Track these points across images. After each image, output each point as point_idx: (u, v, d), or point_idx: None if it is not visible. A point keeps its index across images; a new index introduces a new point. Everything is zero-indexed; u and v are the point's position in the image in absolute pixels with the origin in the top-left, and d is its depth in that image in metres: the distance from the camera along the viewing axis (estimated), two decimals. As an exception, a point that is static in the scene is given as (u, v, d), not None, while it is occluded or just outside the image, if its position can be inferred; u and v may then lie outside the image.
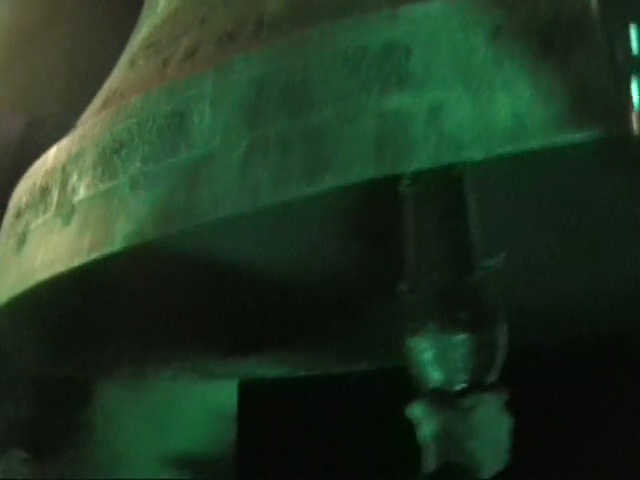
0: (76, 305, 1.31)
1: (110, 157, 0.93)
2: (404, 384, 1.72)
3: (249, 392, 1.80)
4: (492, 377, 1.11)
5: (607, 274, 1.51)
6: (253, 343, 1.59)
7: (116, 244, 0.89)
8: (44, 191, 1.01)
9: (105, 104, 1.04)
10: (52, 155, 1.02)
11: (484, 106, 0.79)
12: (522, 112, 0.79)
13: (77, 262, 0.92)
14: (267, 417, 1.79)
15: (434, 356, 1.10)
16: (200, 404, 1.75)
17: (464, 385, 1.09)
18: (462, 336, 1.09)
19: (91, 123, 0.98)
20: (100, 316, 1.41)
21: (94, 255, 0.91)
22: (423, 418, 1.09)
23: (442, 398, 1.08)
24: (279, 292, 1.59)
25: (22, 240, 1.02)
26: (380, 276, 1.54)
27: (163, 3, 1.14)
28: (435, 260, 1.13)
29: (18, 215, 1.05)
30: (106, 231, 0.90)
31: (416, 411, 1.10)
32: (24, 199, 1.05)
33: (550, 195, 1.50)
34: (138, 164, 0.90)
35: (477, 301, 1.12)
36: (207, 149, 0.87)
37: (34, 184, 1.04)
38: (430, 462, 1.12)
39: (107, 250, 0.89)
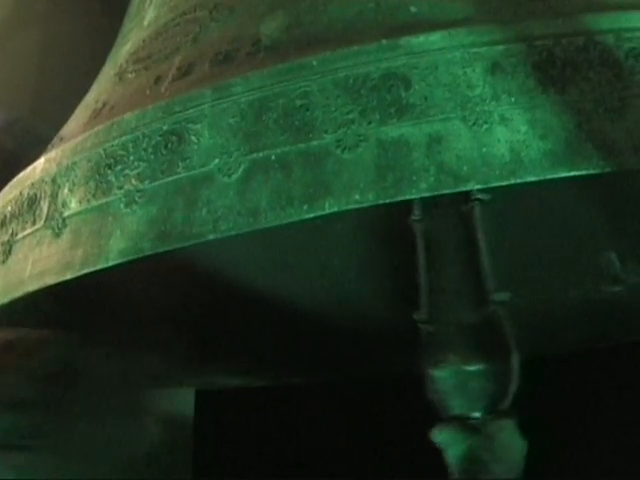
0: (45, 312, 1.31)
1: (104, 173, 0.94)
2: (361, 395, 1.75)
3: (206, 401, 1.80)
4: (507, 403, 1.15)
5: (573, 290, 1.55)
6: (212, 354, 1.60)
7: (111, 259, 0.89)
8: (32, 202, 1.01)
9: (94, 117, 1.04)
10: (40, 166, 1.02)
11: (482, 139, 0.82)
12: (519, 147, 0.81)
13: (69, 275, 0.92)
14: (223, 426, 1.80)
15: (455, 385, 1.15)
16: (157, 412, 1.75)
17: (481, 412, 1.15)
18: (481, 366, 1.14)
19: (82, 137, 0.98)
20: (67, 323, 1.41)
21: (87, 269, 0.91)
22: (450, 442, 1.14)
23: (465, 424, 1.13)
24: (238, 303, 1.60)
25: (8, 250, 1.02)
26: (339, 288, 1.56)
27: (150, 17, 1.14)
28: (450, 292, 1.17)
29: (2, 224, 1.05)
30: (100, 246, 0.91)
31: (441, 436, 1.14)
32: (9, 208, 1.05)
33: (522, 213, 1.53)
34: (134, 181, 0.91)
35: (493, 332, 1.16)
36: (205, 170, 0.88)
37: (20, 194, 1.03)
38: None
39: (101, 264, 0.90)
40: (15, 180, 1.07)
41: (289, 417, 1.80)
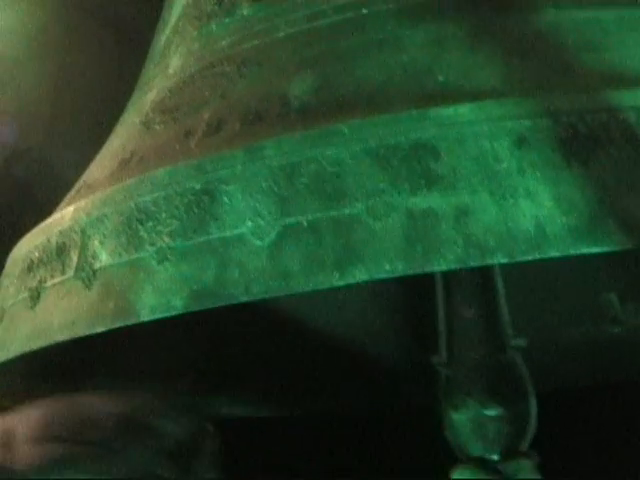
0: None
1: (135, 228, 0.96)
2: (361, 428, 1.78)
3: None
4: (524, 445, 1.25)
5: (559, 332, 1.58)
6: (217, 383, 1.62)
7: (142, 315, 0.91)
8: (61, 250, 1.03)
9: (123, 167, 1.06)
10: (69, 215, 1.04)
11: (508, 213, 0.84)
12: (544, 221, 0.84)
13: (100, 328, 0.95)
14: (228, 455, 1.82)
15: (473, 429, 1.23)
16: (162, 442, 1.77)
17: (499, 455, 1.23)
18: (499, 410, 1.23)
19: (113, 189, 1.00)
20: (75, 351, 1.43)
21: (119, 323, 0.93)
22: None
23: (486, 465, 1.21)
24: (241, 332, 1.62)
25: (36, 296, 1.04)
26: (346, 325, 1.59)
27: (176, 65, 1.16)
28: (470, 338, 1.26)
29: (30, 269, 1.07)
30: (131, 301, 0.93)
31: (463, 475, 1.22)
32: (36, 254, 1.07)
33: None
34: (166, 238, 0.93)
35: (510, 377, 1.25)
36: (238, 232, 0.90)
37: (48, 241, 1.05)
38: None
39: (133, 320, 0.92)
40: (41, 226, 1.09)
41: (287, 446, 1.82)
